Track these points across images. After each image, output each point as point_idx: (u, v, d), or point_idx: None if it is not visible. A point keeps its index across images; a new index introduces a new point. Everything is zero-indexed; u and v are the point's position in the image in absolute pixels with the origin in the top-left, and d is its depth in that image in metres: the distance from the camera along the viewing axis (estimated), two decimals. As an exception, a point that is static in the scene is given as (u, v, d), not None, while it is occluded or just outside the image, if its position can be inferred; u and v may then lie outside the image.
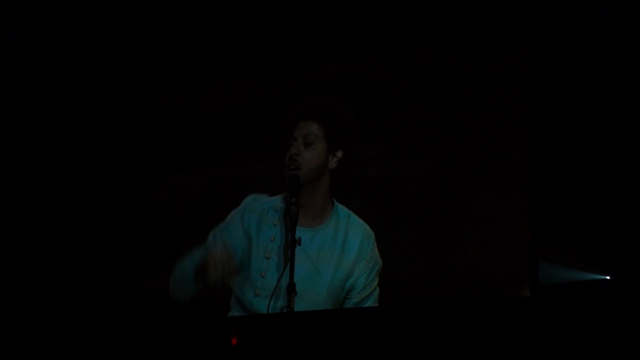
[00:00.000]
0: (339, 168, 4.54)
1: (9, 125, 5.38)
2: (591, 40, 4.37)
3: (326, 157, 4.51)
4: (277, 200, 4.63)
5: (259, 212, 4.62)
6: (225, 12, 5.10)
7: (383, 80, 4.71)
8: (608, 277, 4.24)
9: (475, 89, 4.50)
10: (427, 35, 4.66)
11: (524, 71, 4.42)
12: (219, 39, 5.13)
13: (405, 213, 4.53)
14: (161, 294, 4.90)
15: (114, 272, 5.08)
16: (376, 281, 4.43)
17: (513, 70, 4.44)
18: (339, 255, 4.46)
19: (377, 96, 4.69)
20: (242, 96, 5.01)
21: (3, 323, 5.12)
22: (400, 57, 4.71)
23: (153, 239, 5.04)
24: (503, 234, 4.33)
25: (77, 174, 5.32)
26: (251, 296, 4.50)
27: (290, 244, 4.30)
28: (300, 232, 4.42)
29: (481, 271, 4.33)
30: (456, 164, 4.47)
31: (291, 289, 4.24)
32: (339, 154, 4.53)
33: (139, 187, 5.12)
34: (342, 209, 4.54)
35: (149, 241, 5.04)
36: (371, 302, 4.40)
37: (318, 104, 4.65)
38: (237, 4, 5.06)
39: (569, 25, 4.42)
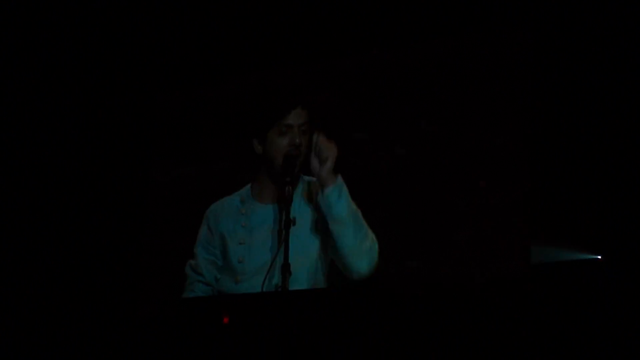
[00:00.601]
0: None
1: (8, 123, 5.38)
2: (587, 33, 4.40)
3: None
4: (241, 193, 4.66)
5: (225, 210, 4.65)
6: (216, 11, 5.12)
7: (376, 77, 4.73)
8: (599, 257, 4.27)
9: (469, 77, 4.53)
10: (421, 30, 4.69)
11: (520, 60, 4.45)
12: (212, 38, 5.15)
13: (392, 199, 4.56)
14: (150, 274, 4.92)
15: (106, 256, 5.09)
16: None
17: (510, 61, 4.47)
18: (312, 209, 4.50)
19: (370, 91, 4.72)
20: (236, 94, 5.01)
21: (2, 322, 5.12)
22: (395, 53, 4.73)
23: (150, 230, 5.06)
24: (494, 215, 4.36)
25: (75, 172, 5.31)
26: (232, 284, 4.53)
27: (285, 225, 4.31)
28: (266, 208, 4.51)
29: (472, 251, 4.35)
30: (446, 147, 4.50)
31: (285, 269, 4.25)
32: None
33: (137, 185, 5.12)
34: (303, 179, 4.55)
35: (147, 232, 5.06)
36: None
37: (309, 94, 4.67)
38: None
39: (564, 17, 4.45)
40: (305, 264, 4.41)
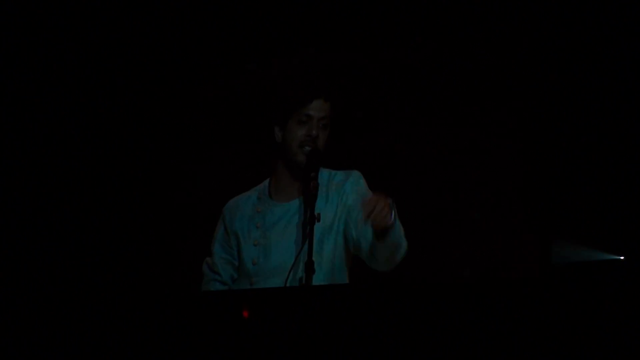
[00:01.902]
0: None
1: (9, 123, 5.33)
2: (590, 35, 4.39)
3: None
4: (259, 189, 4.56)
5: (241, 208, 4.53)
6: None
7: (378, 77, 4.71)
8: (622, 258, 4.28)
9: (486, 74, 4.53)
10: (425, 31, 4.67)
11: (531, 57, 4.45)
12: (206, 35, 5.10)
13: (412, 191, 4.54)
14: (169, 266, 4.90)
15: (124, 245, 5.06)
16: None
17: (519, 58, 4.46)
18: (337, 204, 4.38)
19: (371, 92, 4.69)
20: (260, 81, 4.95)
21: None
22: (401, 54, 4.70)
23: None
24: (515, 213, 4.37)
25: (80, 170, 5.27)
26: (247, 286, 4.45)
27: (309, 220, 4.17)
28: (283, 207, 4.40)
29: (493, 251, 4.36)
30: (467, 141, 4.50)
31: (309, 267, 4.13)
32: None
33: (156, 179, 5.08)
34: (322, 172, 4.43)
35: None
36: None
37: (332, 85, 4.56)
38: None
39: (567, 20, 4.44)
40: (328, 260, 4.33)
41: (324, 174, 4.41)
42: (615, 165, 4.31)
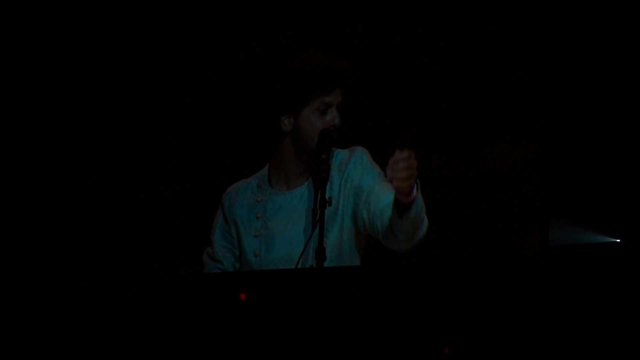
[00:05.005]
0: None
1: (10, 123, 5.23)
2: (603, 29, 4.44)
3: None
4: (259, 176, 4.44)
5: (240, 196, 4.41)
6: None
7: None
8: (619, 240, 4.35)
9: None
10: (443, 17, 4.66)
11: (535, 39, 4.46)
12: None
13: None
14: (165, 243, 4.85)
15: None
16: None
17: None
18: (340, 185, 4.27)
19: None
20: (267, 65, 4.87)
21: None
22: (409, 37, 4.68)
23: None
24: (513, 194, 4.39)
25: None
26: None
27: (320, 205, 4.03)
28: (285, 196, 4.30)
29: (490, 232, 4.38)
30: (463, 121, 4.50)
31: (320, 254, 4.01)
32: None
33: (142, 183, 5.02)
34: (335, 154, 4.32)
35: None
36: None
37: (344, 71, 4.39)
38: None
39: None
40: (334, 247, 4.18)
41: (334, 153, 4.29)
42: (614, 148, 4.36)
